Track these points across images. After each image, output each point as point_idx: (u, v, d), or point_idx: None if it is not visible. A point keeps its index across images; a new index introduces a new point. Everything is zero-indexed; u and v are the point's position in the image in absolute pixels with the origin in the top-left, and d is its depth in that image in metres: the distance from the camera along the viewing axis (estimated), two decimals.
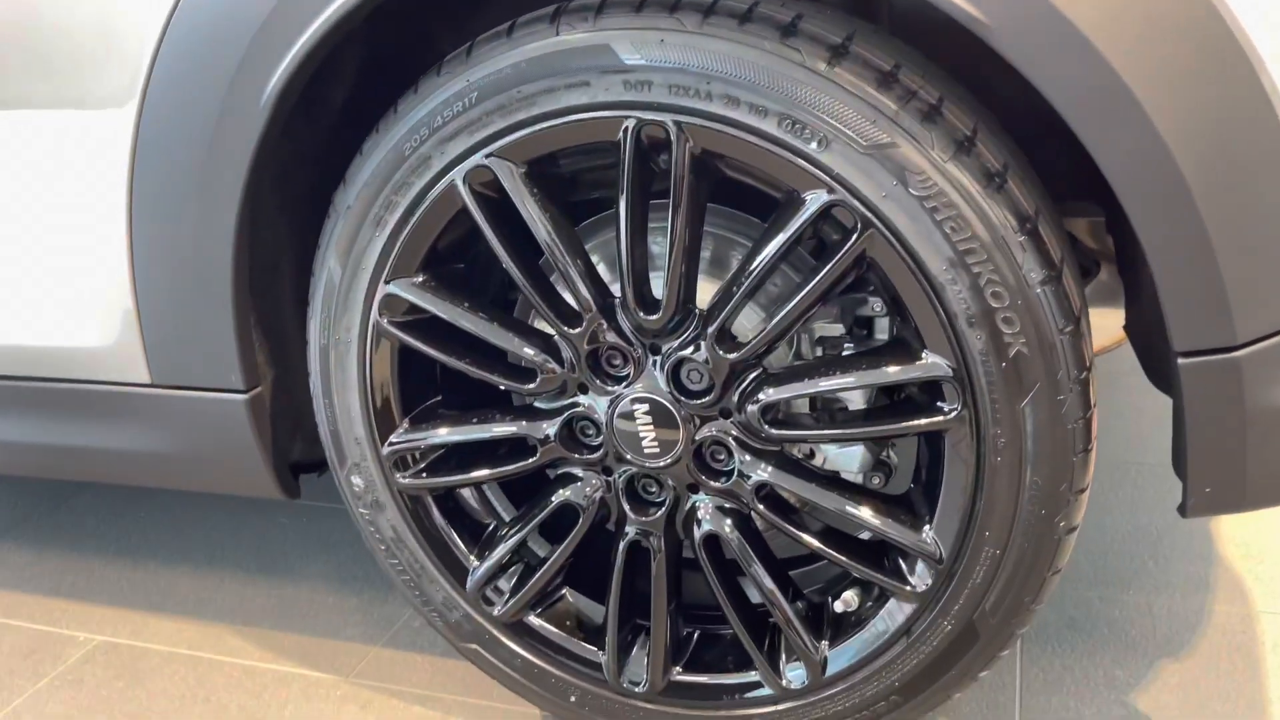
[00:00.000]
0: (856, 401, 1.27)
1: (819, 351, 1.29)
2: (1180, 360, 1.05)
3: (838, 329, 1.27)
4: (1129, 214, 1.01)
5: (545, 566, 1.35)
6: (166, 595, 2.03)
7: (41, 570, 2.15)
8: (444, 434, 1.32)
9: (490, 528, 1.44)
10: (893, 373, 1.13)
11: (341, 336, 1.26)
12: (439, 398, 1.38)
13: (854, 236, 1.07)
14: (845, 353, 1.27)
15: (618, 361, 1.22)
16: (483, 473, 1.33)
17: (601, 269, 1.27)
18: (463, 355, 1.27)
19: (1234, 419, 1.06)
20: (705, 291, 1.20)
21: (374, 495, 1.34)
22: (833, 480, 1.27)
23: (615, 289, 1.19)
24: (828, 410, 1.29)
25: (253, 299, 1.28)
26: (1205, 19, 0.94)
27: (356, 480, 1.34)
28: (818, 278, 1.11)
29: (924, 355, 1.10)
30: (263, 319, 1.32)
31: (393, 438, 1.32)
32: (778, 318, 1.13)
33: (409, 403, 1.34)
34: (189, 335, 1.27)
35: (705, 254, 1.26)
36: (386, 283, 1.22)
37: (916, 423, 1.15)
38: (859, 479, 1.31)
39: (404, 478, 1.34)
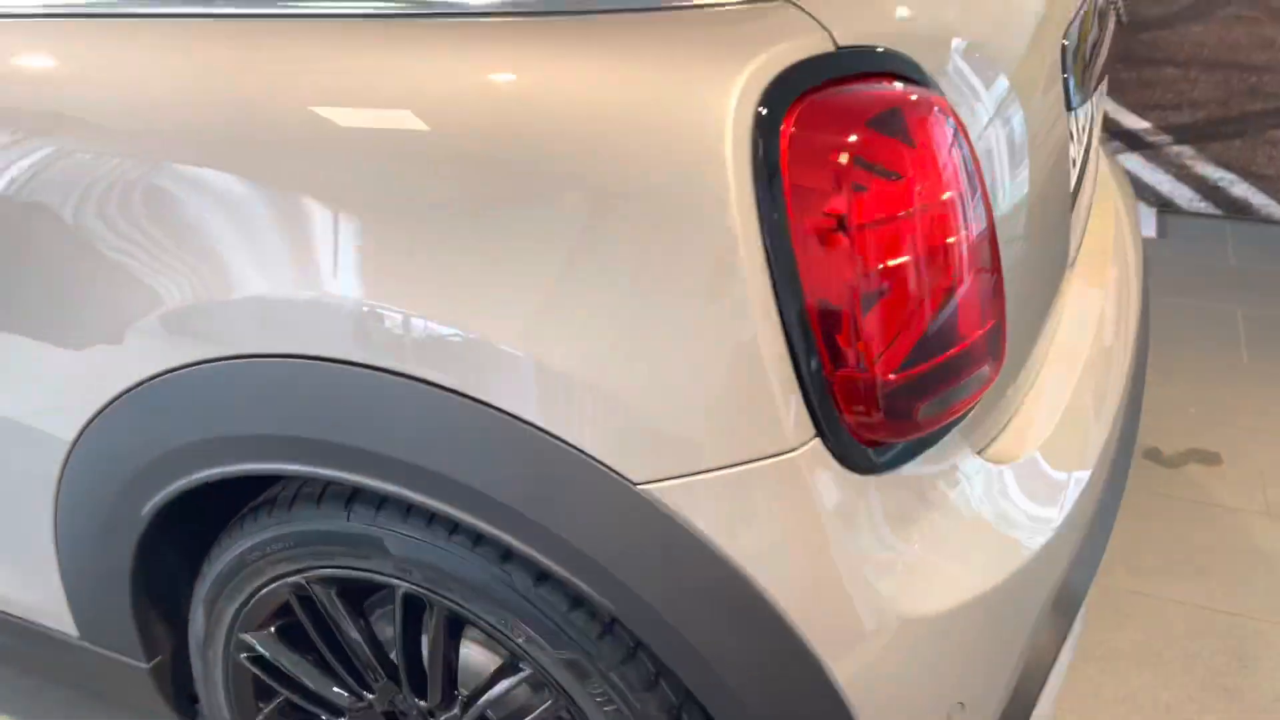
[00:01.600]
0: None
1: None
2: None
3: None
4: None
5: None
6: None
7: None
8: None
9: None
10: None
11: (209, 658, 1.41)
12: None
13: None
14: None
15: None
16: None
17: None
18: (297, 687, 1.41)
19: None
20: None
21: None
22: None
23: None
24: None
25: (151, 596, 1.40)
26: None
27: None
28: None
29: None
30: (163, 609, 1.43)
31: None
32: None
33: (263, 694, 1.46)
34: (101, 612, 1.44)
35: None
36: (240, 631, 1.36)
37: None
38: None
39: None
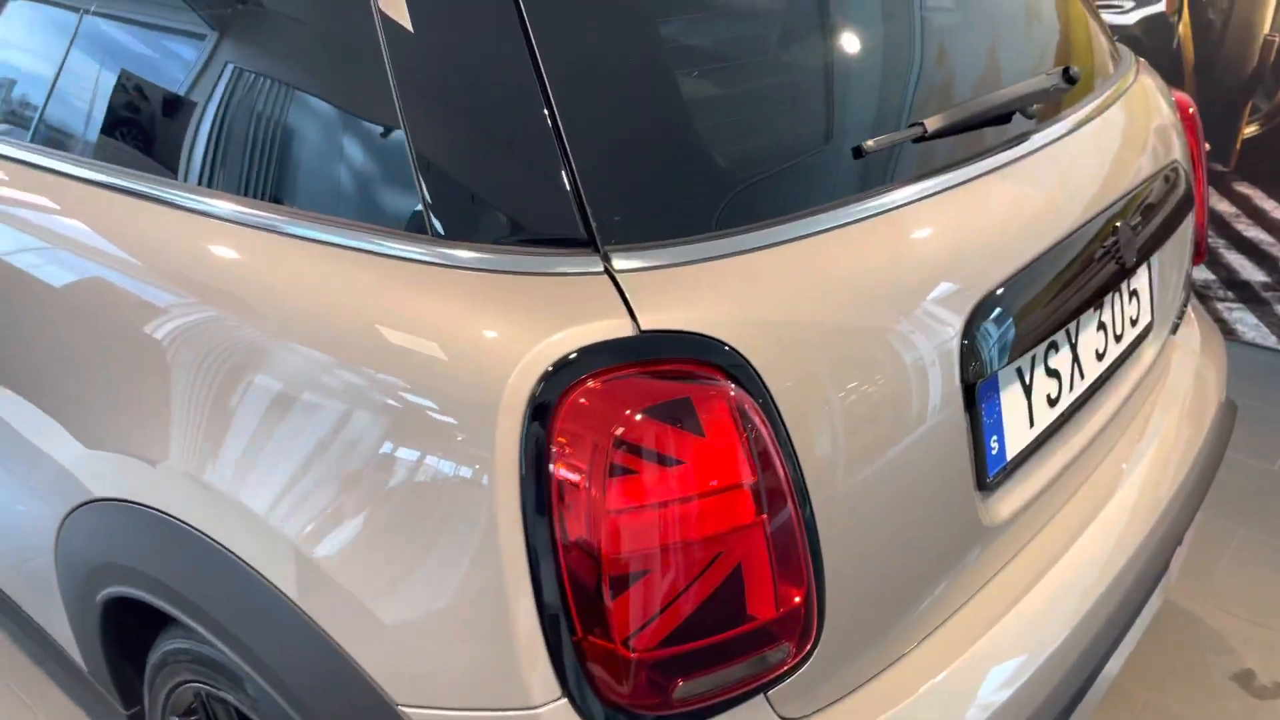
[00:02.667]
0: None
1: None
2: None
3: None
4: None
5: None
6: None
7: None
8: None
9: None
10: None
11: None
12: None
13: None
14: None
15: None
16: None
17: None
18: None
19: None
20: None
21: None
22: None
23: None
24: None
25: (123, 659, 1.58)
26: None
27: None
28: None
29: None
30: (138, 669, 1.59)
31: None
32: None
33: None
34: (90, 660, 1.64)
35: None
36: (169, 714, 1.51)
37: None
38: None
39: None
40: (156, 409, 1.23)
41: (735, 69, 1.15)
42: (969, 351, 1.17)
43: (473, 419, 0.96)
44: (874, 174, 1.18)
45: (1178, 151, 1.73)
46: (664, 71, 1.07)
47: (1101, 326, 1.52)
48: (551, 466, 0.94)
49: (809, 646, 1.06)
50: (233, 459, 1.15)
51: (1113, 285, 1.43)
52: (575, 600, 0.96)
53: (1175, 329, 1.83)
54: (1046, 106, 1.45)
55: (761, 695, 1.06)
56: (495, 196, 1.03)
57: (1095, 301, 1.40)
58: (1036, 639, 1.29)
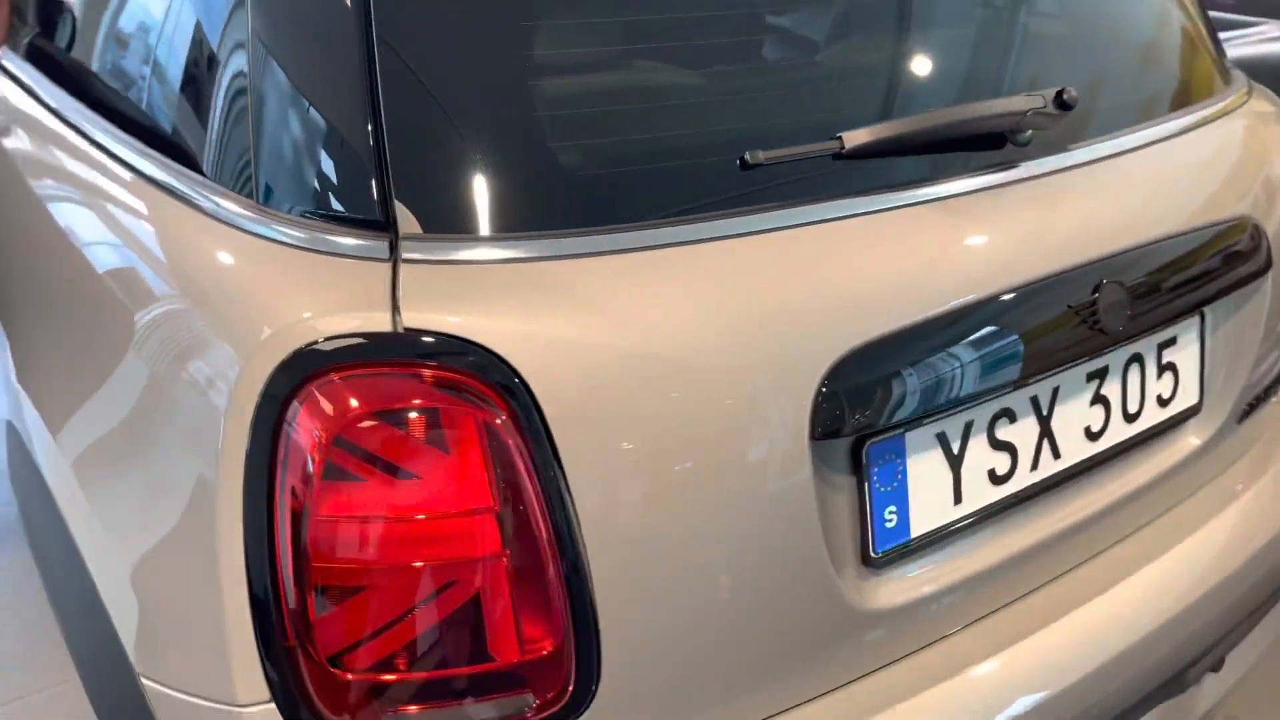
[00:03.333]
0: None
1: None
2: None
3: None
4: None
5: None
6: None
7: None
8: None
9: None
10: None
11: None
12: None
13: None
14: None
15: None
16: None
17: None
18: None
19: None
20: None
21: None
22: None
23: None
24: None
25: None
26: None
27: None
28: None
29: None
30: None
31: None
32: None
33: None
34: None
35: None
36: None
37: None
38: None
39: None
40: (13, 323, 1.28)
41: (585, 62, 1.02)
42: (831, 404, 0.99)
43: (214, 393, 0.90)
44: (763, 190, 1.01)
45: (1264, 203, 1.44)
46: (498, 64, 0.96)
47: (1101, 401, 1.28)
48: (273, 457, 0.86)
49: (572, 703, 0.93)
50: (43, 372, 1.19)
51: (1093, 351, 1.20)
52: (285, 606, 0.88)
53: (1246, 415, 1.53)
54: (1063, 133, 1.22)
55: None
56: (309, 169, 0.96)
57: (1068, 368, 1.18)
58: None
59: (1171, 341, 1.35)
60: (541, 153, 0.96)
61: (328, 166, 0.95)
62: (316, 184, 0.95)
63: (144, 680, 1.01)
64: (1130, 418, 1.32)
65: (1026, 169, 1.18)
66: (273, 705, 0.91)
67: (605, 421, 0.90)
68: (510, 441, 0.86)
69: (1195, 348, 1.39)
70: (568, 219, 0.94)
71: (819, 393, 0.98)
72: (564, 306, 0.90)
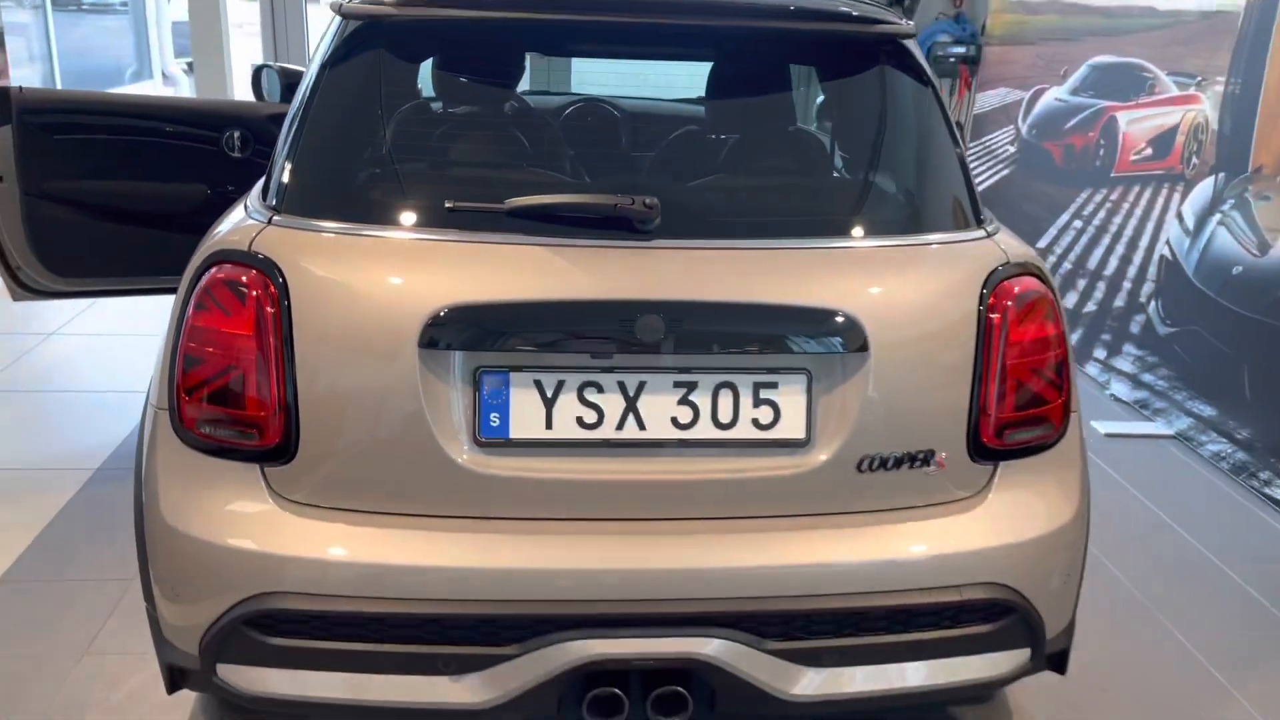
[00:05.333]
0: None
1: None
2: None
3: None
4: None
5: None
6: None
7: None
8: None
9: None
10: None
11: None
12: None
13: None
14: None
15: None
16: None
17: None
18: None
19: None
20: None
21: None
22: None
23: None
24: None
25: None
26: None
27: None
28: None
29: None
30: None
31: None
32: None
33: None
34: None
35: None
36: None
37: None
38: None
39: None
40: None
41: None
42: (434, 329, 1.78)
43: None
44: (466, 218, 1.88)
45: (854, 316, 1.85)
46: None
47: (690, 404, 1.85)
48: (193, 301, 1.85)
49: (282, 454, 1.82)
50: None
51: (632, 368, 1.83)
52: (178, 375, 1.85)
53: (870, 470, 1.91)
54: (686, 227, 1.88)
55: (256, 465, 1.83)
56: None
57: (651, 372, 1.82)
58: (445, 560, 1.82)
59: (772, 385, 1.87)
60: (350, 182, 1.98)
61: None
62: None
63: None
64: (722, 425, 1.86)
65: (634, 241, 1.85)
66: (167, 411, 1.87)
67: (320, 306, 1.81)
68: (269, 302, 1.79)
69: (802, 397, 1.87)
70: (356, 216, 1.90)
71: (425, 326, 1.78)
72: (326, 253, 1.84)
